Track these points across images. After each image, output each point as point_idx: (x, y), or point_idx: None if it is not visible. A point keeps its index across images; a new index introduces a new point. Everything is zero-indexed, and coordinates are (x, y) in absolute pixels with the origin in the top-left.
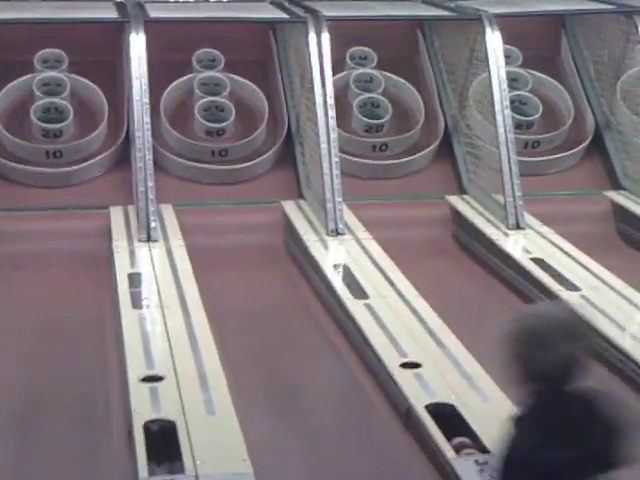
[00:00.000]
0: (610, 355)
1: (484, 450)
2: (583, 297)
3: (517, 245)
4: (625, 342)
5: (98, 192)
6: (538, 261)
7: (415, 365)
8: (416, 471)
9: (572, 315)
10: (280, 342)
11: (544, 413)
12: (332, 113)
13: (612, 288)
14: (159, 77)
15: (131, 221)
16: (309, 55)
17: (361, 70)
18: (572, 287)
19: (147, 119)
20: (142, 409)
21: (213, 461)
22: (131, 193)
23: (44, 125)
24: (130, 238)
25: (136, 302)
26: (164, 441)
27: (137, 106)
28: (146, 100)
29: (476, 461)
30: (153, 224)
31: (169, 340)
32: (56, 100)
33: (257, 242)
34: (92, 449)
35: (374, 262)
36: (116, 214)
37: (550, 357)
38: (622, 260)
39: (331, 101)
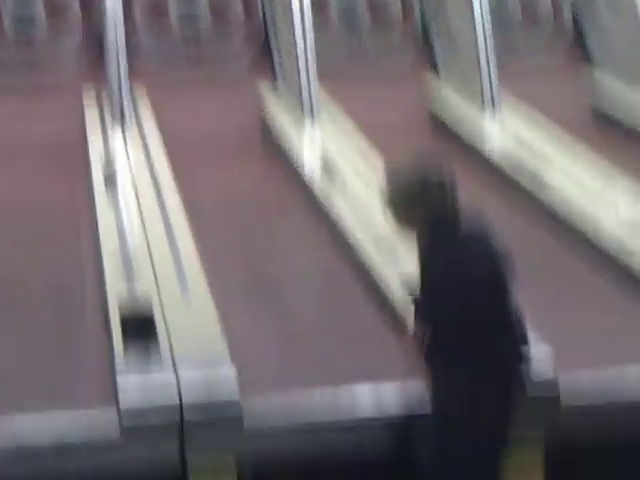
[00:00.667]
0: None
1: None
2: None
3: (494, 124)
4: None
5: (72, 73)
6: (514, 139)
7: (392, 244)
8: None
9: (431, 171)
10: (256, 228)
11: (443, 249)
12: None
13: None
14: None
15: (104, 104)
16: None
17: None
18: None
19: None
20: (115, 279)
21: (190, 348)
22: (105, 75)
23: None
24: (103, 121)
25: (110, 186)
26: (141, 331)
27: None
28: None
29: None
30: (126, 107)
31: (143, 224)
32: None
33: (233, 126)
34: (67, 331)
35: (351, 144)
36: (89, 96)
37: (423, 210)
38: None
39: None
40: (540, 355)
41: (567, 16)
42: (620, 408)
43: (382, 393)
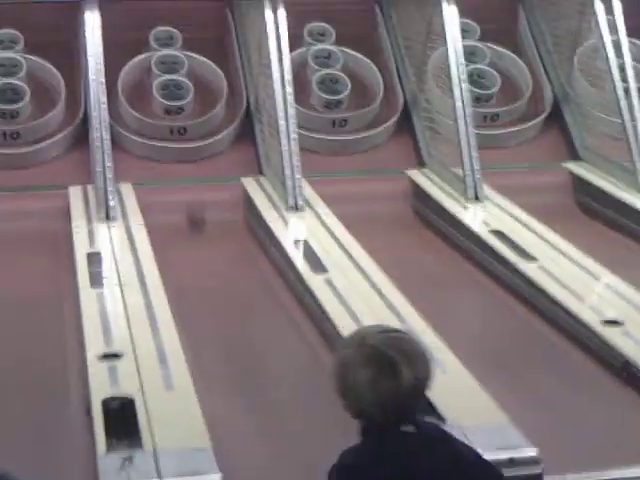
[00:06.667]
0: (569, 325)
1: (442, 419)
2: (541, 268)
3: (476, 217)
4: (584, 313)
5: (57, 172)
6: (496, 233)
7: None
8: None
9: (396, 343)
10: (240, 317)
11: (373, 463)
12: (290, 89)
13: (570, 258)
14: (116, 56)
15: (90, 201)
16: (266, 31)
17: (319, 46)
18: (530, 258)
19: (103, 98)
20: (100, 386)
21: (172, 437)
22: (90, 173)
23: (1, 106)
24: (89, 218)
25: (95, 281)
26: (123, 418)
27: (93, 85)
28: (102, 79)
29: None
30: (112, 203)
31: (128, 318)
32: (12, 81)
33: (217, 219)
34: (50, 426)
35: (334, 237)
36: (75, 194)
37: (369, 395)
38: (580, 230)
39: (289, 77)
40: None
41: (549, 109)
42: None
43: None
